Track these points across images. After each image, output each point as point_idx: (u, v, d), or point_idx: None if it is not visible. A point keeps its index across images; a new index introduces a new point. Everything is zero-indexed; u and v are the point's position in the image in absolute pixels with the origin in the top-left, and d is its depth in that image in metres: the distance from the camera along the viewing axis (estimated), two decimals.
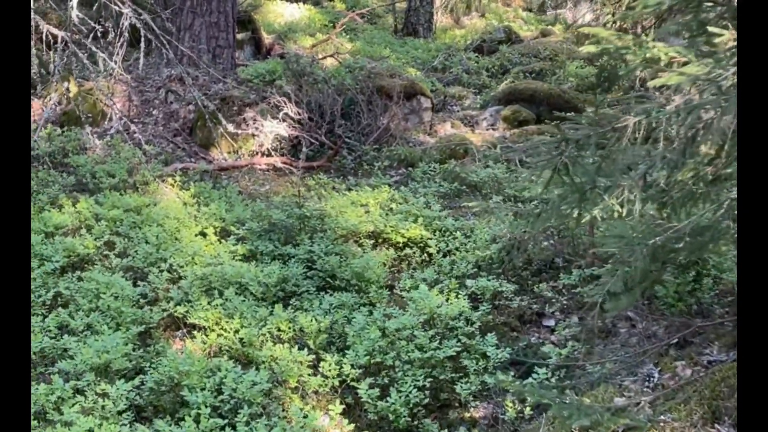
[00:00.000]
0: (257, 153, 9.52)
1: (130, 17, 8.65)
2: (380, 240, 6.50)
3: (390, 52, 13.99)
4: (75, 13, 8.25)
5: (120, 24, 9.02)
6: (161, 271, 5.89)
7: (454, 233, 6.49)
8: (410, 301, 5.12)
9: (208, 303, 5.17)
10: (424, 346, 4.61)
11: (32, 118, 10.08)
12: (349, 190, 8.29)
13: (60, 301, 5.52)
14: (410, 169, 8.87)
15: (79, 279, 5.80)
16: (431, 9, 17.25)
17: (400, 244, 6.42)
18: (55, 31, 8.69)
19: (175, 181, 8.26)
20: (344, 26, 14.41)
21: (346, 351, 4.67)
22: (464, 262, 5.96)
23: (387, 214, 6.82)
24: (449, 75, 13.65)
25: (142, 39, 8.73)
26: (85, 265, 6.18)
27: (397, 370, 4.52)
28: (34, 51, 9.10)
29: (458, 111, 12.01)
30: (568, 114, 8.16)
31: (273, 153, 9.20)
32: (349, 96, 9.65)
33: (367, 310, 5.10)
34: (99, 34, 9.41)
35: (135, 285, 5.74)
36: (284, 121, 9.17)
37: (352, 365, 4.53)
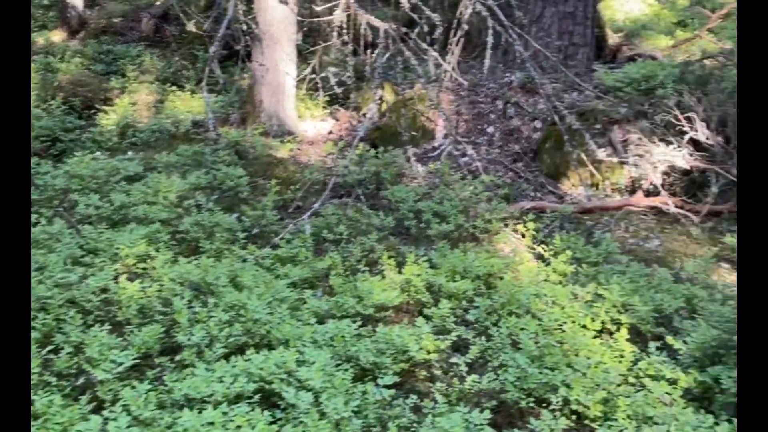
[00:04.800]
0: (630, 189, 6.85)
1: (474, 3, 6.34)
2: None
3: None
4: None
5: (458, 13, 6.76)
6: (553, 411, 3.43)
7: None
8: None
9: None
10: None
11: (339, 133, 8.18)
12: None
13: None
14: None
15: (415, 409, 3.49)
16: None
17: None
18: (377, 22, 6.61)
19: (527, 229, 5.83)
20: (720, 19, 11.33)
21: None
22: None
23: None
24: None
25: (489, 33, 6.38)
26: (417, 383, 3.89)
27: None
28: (350, 48, 7.11)
29: None
30: None
31: (659, 190, 6.49)
32: None
33: None
34: (425, 28, 7.22)
35: None
36: (680, 146, 6.41)
37: None
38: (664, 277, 4.94)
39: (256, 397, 3.38)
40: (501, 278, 4.86)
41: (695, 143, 6.47)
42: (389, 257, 5.08)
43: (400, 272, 4.81)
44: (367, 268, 5.01)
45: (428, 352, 3.93)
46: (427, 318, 4.31)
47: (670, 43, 11.18)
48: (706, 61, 7.45)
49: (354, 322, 4.12)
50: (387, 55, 6.61)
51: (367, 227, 5.74)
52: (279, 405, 3.39)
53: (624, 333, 3.99)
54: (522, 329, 4.01)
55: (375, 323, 4.26)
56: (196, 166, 6.70)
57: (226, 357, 3.72)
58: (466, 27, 6.60)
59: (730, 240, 5.66)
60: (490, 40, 6.32)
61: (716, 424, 3.27)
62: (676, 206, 6.31)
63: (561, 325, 4.14)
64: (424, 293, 4.61)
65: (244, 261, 4.99)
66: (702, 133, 6.22)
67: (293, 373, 3.52)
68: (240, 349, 3.85)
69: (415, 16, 6.65)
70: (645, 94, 7.28)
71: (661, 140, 6.58)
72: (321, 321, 4.21)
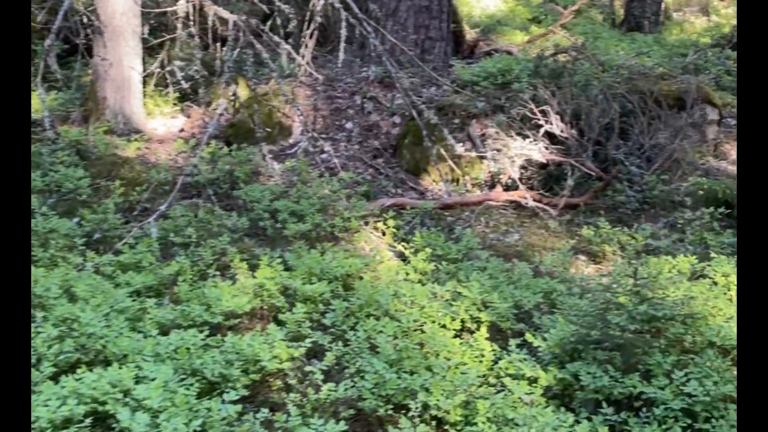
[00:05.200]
0: (489, 183, 6.83)
1: None
2: None
3: (626, 49, 11.01)
4: None
5: (311, 5, 6.54)
6: (412, 418, 3.26)
7: None
8: None
9: None
10: None
11: (191, 131, 7.80)
12: (648, 252, 5.45)
13: None
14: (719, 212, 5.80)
15: (267, 424, 3.24)
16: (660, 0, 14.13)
17: None
18: (226, 14, 6.29)
19: (387, 226, 5.67)
20: (572, 16, 11.61)
21: None
22: None
23: None
24: (705, 77, 10.49)
25: (343, 26, 6.19)
26: (271, 394, 3.64)
27: None
28: (197, 42, 6.75)
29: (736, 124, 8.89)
30: None
31: (516, 184, 6.47)
32: (618, 104, 6.77)
33: None
34: (280, 21, 6.98)
35: None
36: (536, 140, 6.41)
37: None
38: (524, 271, 4.88)
39: (87, 421, 3.05)
40: (360, 278, 4.67)
41: (550, 136, 6.50)
42: (242, 260, 4.80)
43: (254, 276, 4.54)
44: (218, 273, 4.71)
45: (281, 361, 3.68)
46: (281, 324, 4.07)
47: (525, 39, 11.35)
48: (559, 56, 7.53)
49: (201, 331, 3.82)
50: (237, 48, 6.30)
51: (219, 229, 5.43)
52: (113, 428, 3.06)
53: (484, 332, 3.87)
54: (380, 332, 3.83)
55: (224, 332, 3.98)
56: (32, 168, 6.18)
57: (55, 377, 3.35)
58: (319, 20, 6.38)
59: (587, 232, 5.68)
60: (344, 33, 6.13)
61: (577, 422, 3.18)
62: (535, 200, 6.30)
63: (421, 326, 3.98)
64: (279, 297, 4.36)
65: (81, 269, 4.59)
66: (557, 127, 6.24)
67: (130, 392, 3.19)
68: (72, 368, 3.48)
69: (265, 8, 6.38)
70: (501, 88, 7.28)
71: (518, 134, 6.57)
72: (165, 332, 3.88)
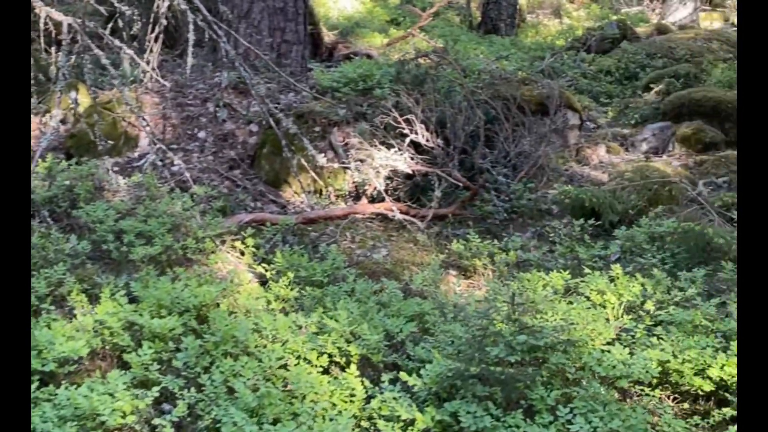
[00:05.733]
0: (354, 195, 6.52)
1: None
2: (668, 388, 3.49)
3: (485, 52, 10.98)
4: None
5: (156, 7, 6.02)
6: None
7: None
8: None
9: None
10: None
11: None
12: (519, 265, 5.27)
13: None
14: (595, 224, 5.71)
15: None
16: (515, 2, 14.25)
17: (704, 395, 3.46)
18: (59, 16, 5.67)
19: (246, 245, 5.25)
20: (430, 18, 11.46)
21: None
22: None
23: (659, 332, 3.78)
24: (562, 80, 10.61)
25: (191, 29, 5.70)
26: None
27: None
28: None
29: (596, 128, 8.97)
30: None
31: (382, 195, 6.18)
32: (482, 111, 6.59)
33: None
34: (123, 24, 6.42)
35: None
36: (401, 150, 6.14)
37: None
38: (394, 293, 4.57)
39: None
40: (217, 305, 4.24)
41: (416, 146, 6.24)
42: (81, 291, 4.27)
43: (93, 311, 4.03)
44: (53, 308, 4.16)
45: (124, 414, 3.22)
46: (126, 366, 3.59)
47: (385, 41, 11.14)
48: (421, 60, 7.30)
49: (30, 383, 3.30)
50: (73, 53, 5.70)
51: (56, 255, 4.84)
52: None
53: (353, 368, 3.53)
54: (238, 374, 3.42)
55: (60, 380, 3.47)
56: None
57: None
58: (165, 22, 5.87)
59: (457, 246, 5.44)
60: (191, 36, 5.64)
61: None
62: (402, 212, 6.02)
63: (284, 365, 3.60)
64: (123, 335, 3.86)
65: None
66: (422, 136, 5.99)
67: None
68: None
69: (103, 9, 5.82)
70: (363, 95, 6.99)
71: (382, 143, 6.28)
72: None
